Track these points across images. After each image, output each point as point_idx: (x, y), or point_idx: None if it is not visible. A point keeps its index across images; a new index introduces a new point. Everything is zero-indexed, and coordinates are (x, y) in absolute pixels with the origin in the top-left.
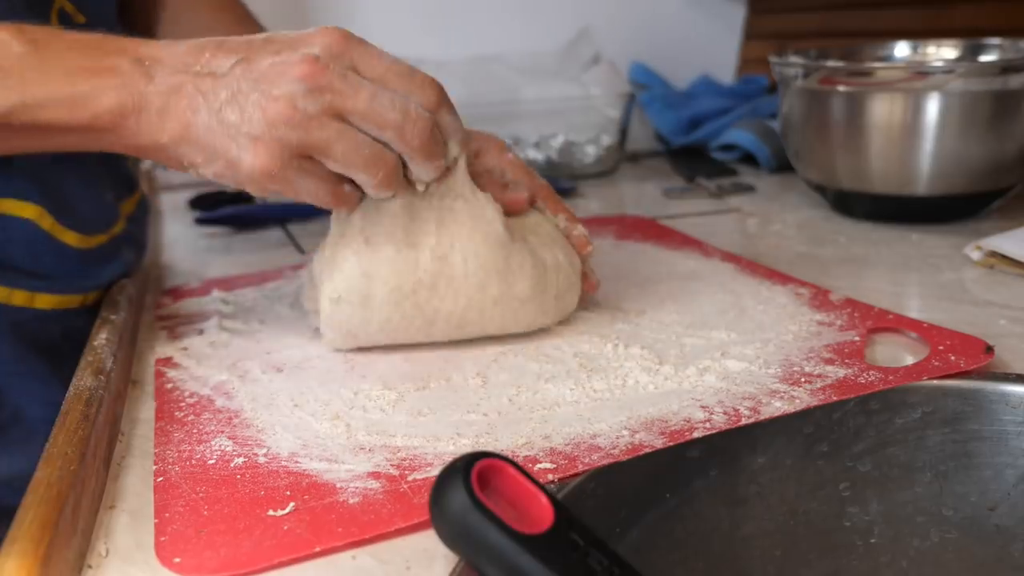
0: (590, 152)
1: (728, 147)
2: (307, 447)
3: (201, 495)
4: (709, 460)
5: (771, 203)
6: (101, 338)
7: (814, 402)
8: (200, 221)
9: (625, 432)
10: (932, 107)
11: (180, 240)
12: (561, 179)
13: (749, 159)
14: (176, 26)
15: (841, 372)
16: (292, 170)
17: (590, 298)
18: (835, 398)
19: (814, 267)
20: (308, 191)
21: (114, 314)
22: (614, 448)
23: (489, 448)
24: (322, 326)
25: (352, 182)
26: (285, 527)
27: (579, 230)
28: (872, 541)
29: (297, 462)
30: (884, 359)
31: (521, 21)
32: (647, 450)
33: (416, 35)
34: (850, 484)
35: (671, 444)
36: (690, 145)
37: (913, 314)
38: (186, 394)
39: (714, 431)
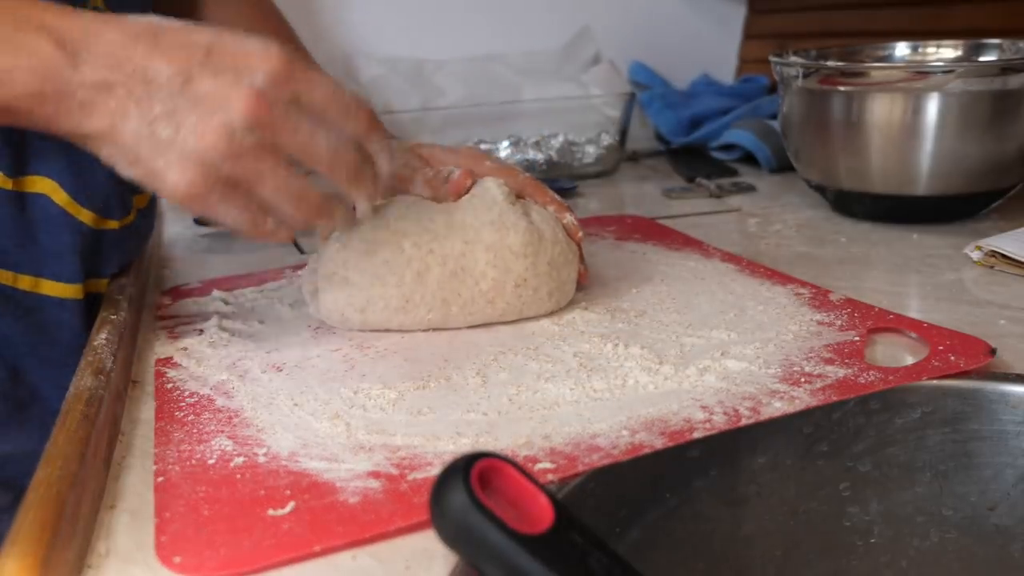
0: (590, 152)
1: (728, 147)
2: (307, 446)
3: (201, 495)
4: (709, 460)
5: (771, 203)
6: (101, 338)
7: (814, 402)
8: (200, 221)
9: (625, 432)
10: (932, 107)
11: (180, 240)
12: (561, 179)
13: (749, 159)
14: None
15: (841, 372)
16: (216, 195)
17: (588, 295)
18: (835, 398)
19: (814, 267)
20: (229, 217)
21: (114, 314)
22: (614, 448)
23: (489, 447)
24: (316, 304)
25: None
26: (285, 527)
27: (568, 218)
28: (872, 541)
29: (297, 461)
30: (884, 359)
31: (521, 21)
32: (647, 450)
33: (416, 35)
34: (850, 484)
35: (671, 444)
36: (690, 145)
37: (913, 314)
38: (186, 394)
39: (714, 431)
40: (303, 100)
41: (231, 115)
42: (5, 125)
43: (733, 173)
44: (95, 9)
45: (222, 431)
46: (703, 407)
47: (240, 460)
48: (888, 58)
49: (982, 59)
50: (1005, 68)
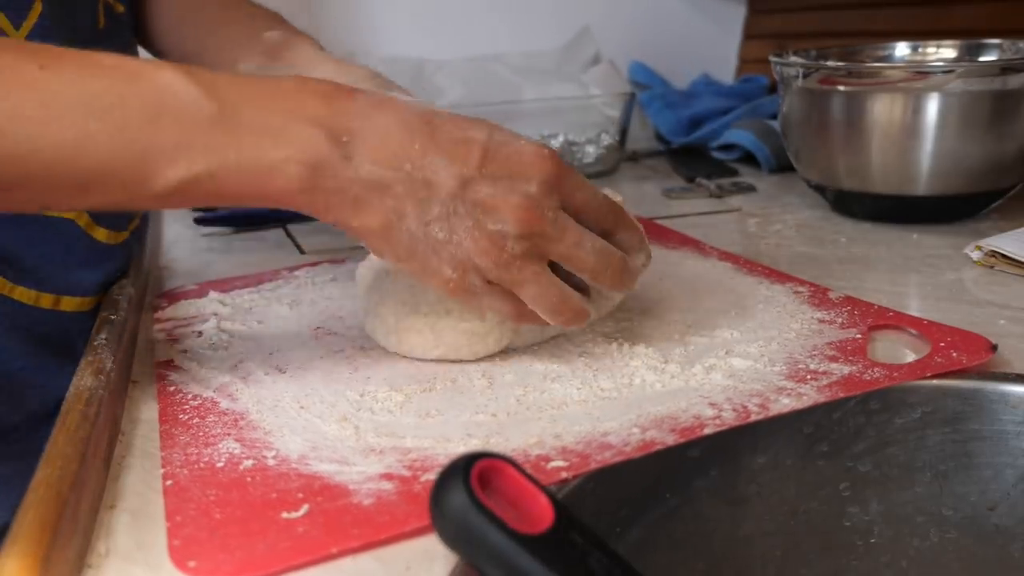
0: (590, 152)
1: (728, 147)
2: (316, 449)
3: (212, 498)
4: (709, 460)
5: (771, 203)
6: (101, 338)
7: (822, 398)
8: (200, 221)
9: (636, 430)
10: (932, 107)
11: (180, 240)
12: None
13: (749, 159)
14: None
15: (846, 369)
16: (482, 293)
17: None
18: (842, 395)
19: (814, 267)
20: (492, 306)
21: (114, 314)
22: (626, 445)
23: (500, 448)
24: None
25: None
26: (300, 529)
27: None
28: (872, 541)
29: (307, 464)
30: (886, 356)
31: (521, 21)
32: (659, 447)
33: (416, 35)
34: (850, 484)
35: (683, 441)
36: (690, 145)
37: (913, 313)
38: (189, 396)
39: (725, 427)
40: (569, 202)
41: (506, 225)
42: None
43: (733, 173)
44: (106, 4)
45: (229, 434)
46: (712, 404)
47: (249, 463)
48: (888, 58)
49: (982, 59)
50: (1005, 68)
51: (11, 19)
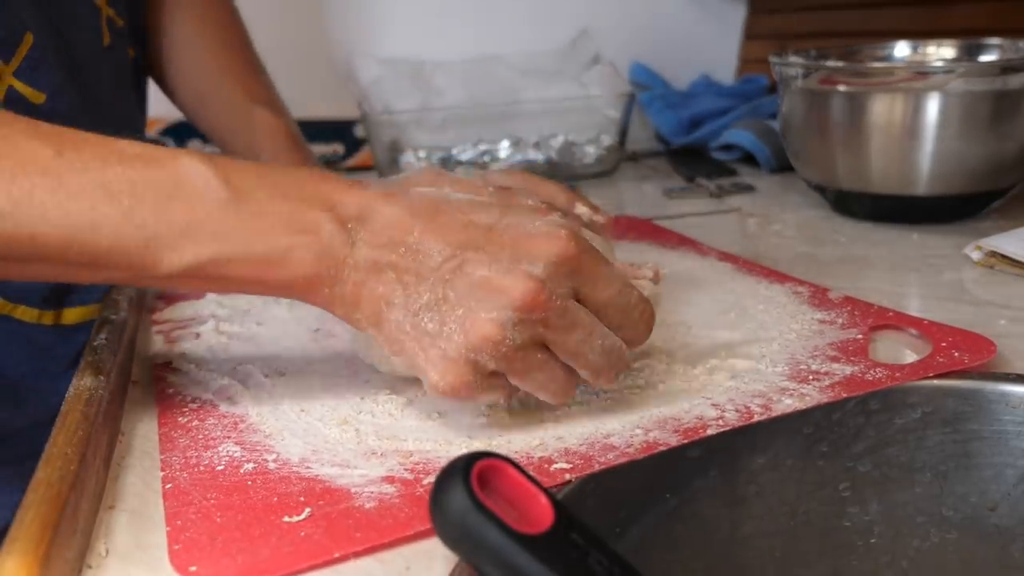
0: (590, 152)
1: (728, 147)
2: (317, 452)
3: (212, 502)
4: (709, 460)
5: (771, 203)
6: (101, 338)
7: (824, 399)
8: None
9: (639, 431)
10: (932, 107)
11: None
12: (561, 179)
13: (749, 159)
14: (170, 27)
15: (848, 369)
16: (478, 388)
17: None
18: (844, 395)
19: (814, 267)
20: (488, 399)
21: (114, 314)
22: (629, 447)
23: (502, 450)
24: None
25: None
26: (302, 533)
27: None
28: (872, 541)
29: (308, 467)
30: (887, 357)
31: (521, 21)
32: (662, 448)
33: (417, 35)
34: (850, 484)
35: (686, 441)
36: (690, 145)
37: (913, 314)
38: (188, 399)
39: (728, 428)
40: (583, 291)
41: (504, 310)
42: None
43: (733, 173)
44: (109, 19)
45: (229, 437)
46: (714, 405)
47: (250, 466)
48: (888, 58)
49: (982, 59)
50: (1005, 68)
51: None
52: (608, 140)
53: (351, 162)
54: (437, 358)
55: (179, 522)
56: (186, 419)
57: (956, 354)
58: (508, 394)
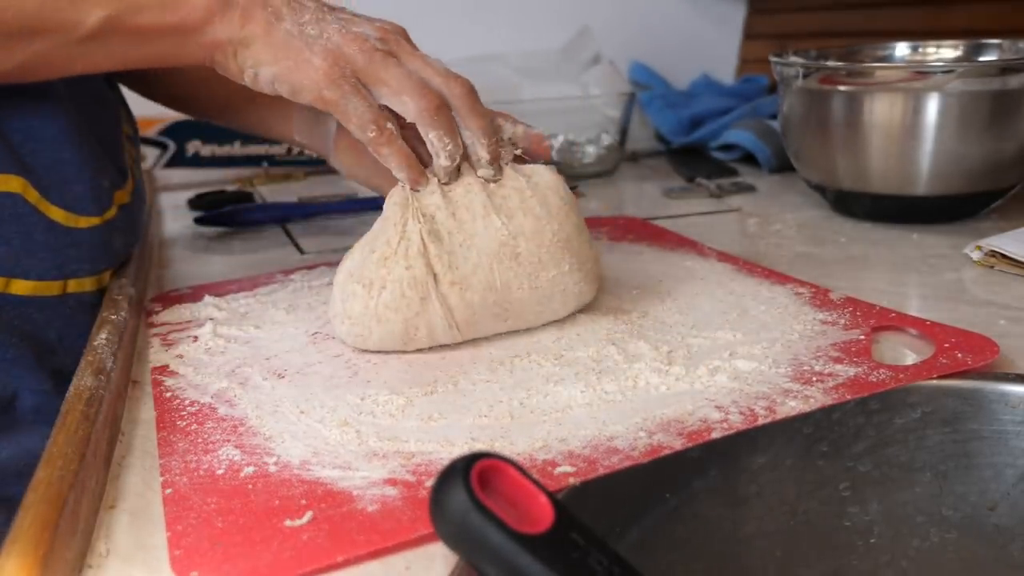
0: (590, 152)
1: (728, 147)
2: (318, 455)
3: (213, 506)
4: (709, 460)
5: (771, 203)
6: (101, 338)
7: (828, 401)
8: (200, 221)
9: (642, 434)
10: (932, 107)
11: (180, 240)
12: None
13: (749, 159)
14: None
15: (851, 371)
16: (349, 84)
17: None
18: (849, 396)
19: (814, 267)
20: (356, 112)
21: (114, 314)
22: (633, 450)
23: (505, 452)
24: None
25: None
26: (305, 537)
27: (520, 129)
28: (872, 541)
29: (309, 470)
30: (889, 357)
31: (521, 21)
32: (667, 451)
33: (416, 35)
34: (850, 484)
35: (691, 445)
36: (690, 145)
37: (914, 314)
38: (186, 403)
39: (732, 431)
40: (410, 51)
41: (365, 28)
42: (163, 60)
43: (733, 173)
44: None
45: (228, 440)
46: (718, 407)
47: (250, 470)
48: (888, 58)
49: (982, 59)
50: (1005, 68)
51: None
52: (608, 140)
53: None
54: (319, 50)
55: (180, 527)
56: (184, 423)
57: (959, 355)
58: (374, 113)
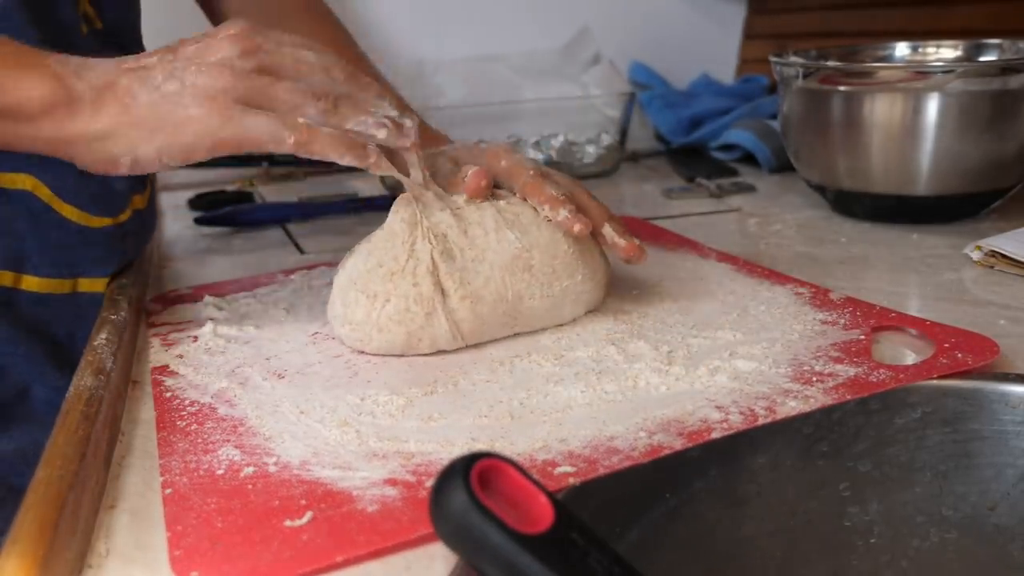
0: (590, 152)
1: (728, 147)
2: (318, 455)
3: (213, 506)
4: (709, 460)
5: (771, 203)
6: (101, 338)
7: (829, 401)
8: (200, 221)
9: (643, 434)
10: (932, 107)
11: (180, 240)
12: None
13: (749, 159)
14: None
15: (851, 371)
16: (239, 112)
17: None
18: (849, 397)
19: (814, 267)
20: (260, 128)
21: (114, 314)
22: (633, 450)
23: (506, 452)
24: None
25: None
26: (304, 537)
27: (562, 214)
28: (872, 541)
29: (309, 470)
30: (889, 357)
31: (521, 21)
32: (667, 451)
33: (416, 35)
34: (850, 484)
35: (691, 445)
36: (690, 145)
37: (914, 314)
38: (186, 403)
39: (732, 431)
40: (278, 40)
41: (224, 52)
42: (3, 142)
43: (733, 173)
44: (85, 14)
45: (228, 440)
46: (718, 407)
47: (250, 470)
48: (888, 58)
49: (982, 59)
50: (1005, 68)
51: None
52: (608, 140)
53: None
54: (190, 100)
55: (179, 527)
56: (184, 423)
57: (959, 355)
58: (281, 118)
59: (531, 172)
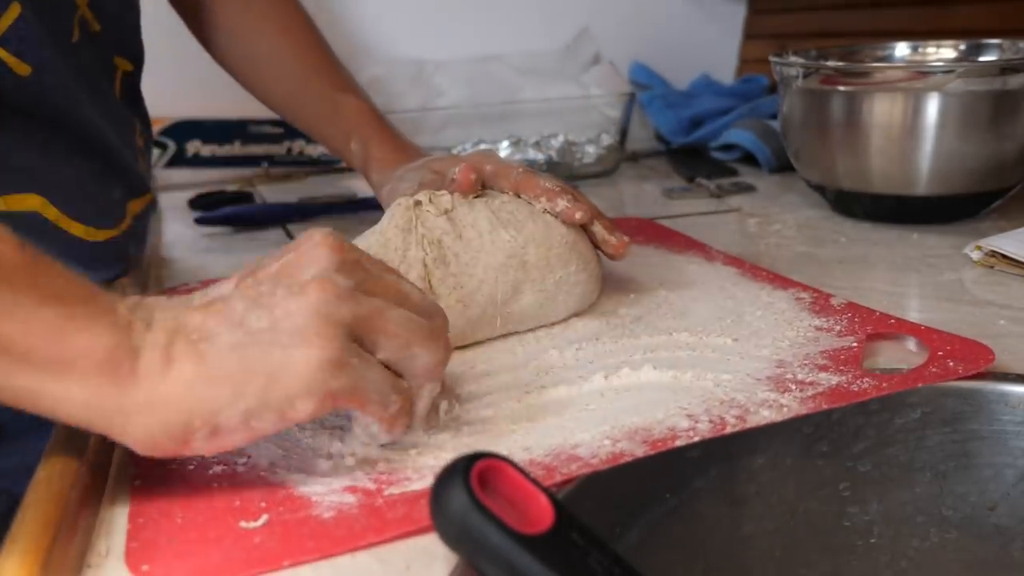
0: (590, 152)
1: (728, 147)
2: (288, 457)
3: (177, 502)
4: (709, 460)
5: (771, 203)
6: None
7: (803, 411)
8: (200, 221)
9: (607, 441)
10: (932, 107)
11: (180, 240)
12: (561, 179)
13: (749, 159)
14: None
15: (834, 379)
16: (354, 356)
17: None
18: (825, 406)
19: (814, 267)
20: (374, 387)
21: None
22: (594, 457)
23: None
24: None
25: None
26: (256, 540)
27: (561, 204)
28: (872, 541)
29: (276, 473)
30: (883, 364)
31: (521, 21)
32: (627, 459)
33: (416, 35)
34: (850, 484)
35: (652, 452)
36: (690, 145)
37: (913, 314)
38: None
39: (697, 439)
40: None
41: (319, 264)
42: (50, 410)
43: (733, 173)
44: (82, 19)
45: None
46: (689, 415)
47: (219, 468)
48: (888, 58)
49: (982, 59)
50: (1005, 68)
51: None
52: (608, 140)
53: None
54: (289, 339)
55: (141, 520)
56: None
57: (951, 363)
58: (393, 379)
59: (520, 170)
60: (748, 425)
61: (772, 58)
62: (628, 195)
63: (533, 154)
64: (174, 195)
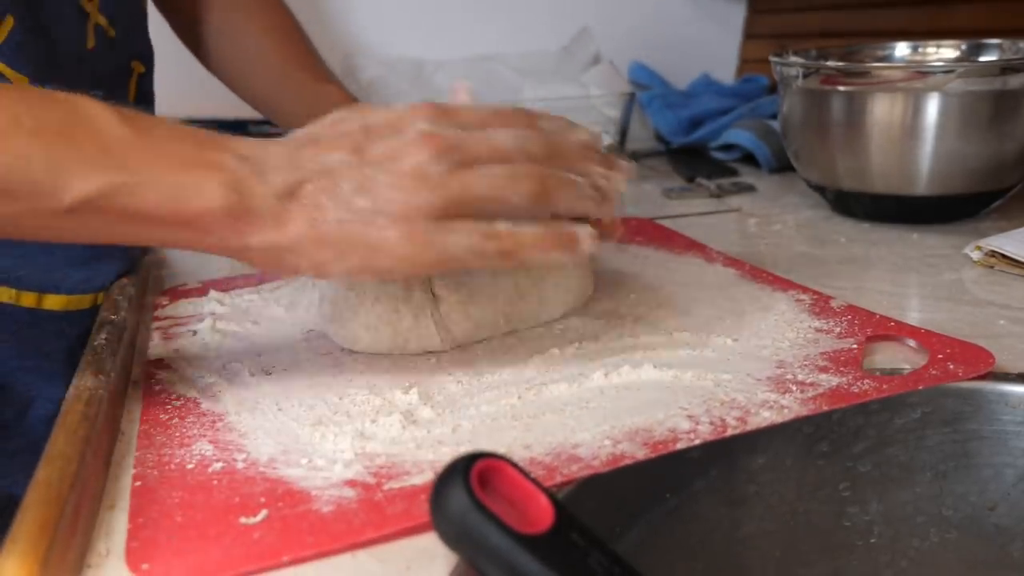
0: None
1: (728, 147)
2: (287, 453)
3: (176, 500)
4: (709, 460)
5: (771, 203)
6: (101, 338)
7: (804, 412)
8: None
9: (607, 442)
10: (932, 107)
11: None
12: None
13: (749, 159)
14: (221, 38)
15: (835, 381)
16: (441, 234)
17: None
18: (825, 407)
19: (814, 267)
20: (461, 246)
21: (114, 314)
22: (595, 459)
23: None
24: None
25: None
26: (256, 535)
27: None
28: (872, 541)
29: (275, 468)
30: (882, 366)
31: (521, 21)
32: (628, 461)
33: (416, 35)
34: (850, 484)
35: (653, 455)
36: (690, 145)
37: (913, 314)
38: (173, 396)
39: (698, 442)
40: (463, 123)
41: (416, 157)
42: (176, 247)
43: (733, 173)
44: (97, 26)
45: (204, 435)
46: (690, 416)
47: (219, 465)
48: (888, 58)
49: (982, 59)
50: (1005, 68)
51: None
52: (608, 140)
53: None
54: (385, 221)
55: (141, 519)
56: (167, 416)
57: (951, 366)
58: (482, 229)
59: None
60: (749, 427)
61: (772, 58)
62: (628, 195)
63: None
64: None
